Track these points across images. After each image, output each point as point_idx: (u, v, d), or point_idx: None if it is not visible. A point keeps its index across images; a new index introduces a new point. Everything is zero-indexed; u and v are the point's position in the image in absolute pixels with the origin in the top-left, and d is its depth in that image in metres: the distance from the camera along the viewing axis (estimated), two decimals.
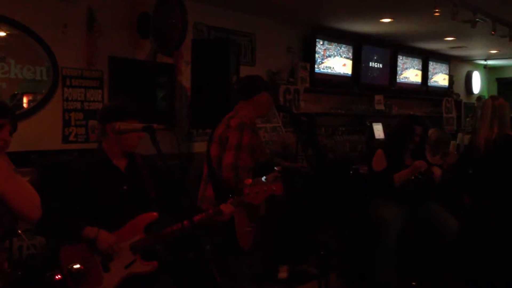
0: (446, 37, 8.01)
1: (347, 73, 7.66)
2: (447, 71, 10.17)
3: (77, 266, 2.35)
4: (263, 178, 2.81)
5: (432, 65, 9.63)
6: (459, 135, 7.34)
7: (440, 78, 9.99)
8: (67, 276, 2.34)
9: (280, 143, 5.21)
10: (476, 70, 11.40)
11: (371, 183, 4.29)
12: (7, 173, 1.99)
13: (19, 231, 3.54)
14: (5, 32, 4.13)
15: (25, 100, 4.30)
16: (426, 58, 9.42)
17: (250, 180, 2.77)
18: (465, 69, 11.19)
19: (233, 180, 3.06)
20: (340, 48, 7.48)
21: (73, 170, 2.60)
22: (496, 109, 3.80)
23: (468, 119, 9.48)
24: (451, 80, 10.35)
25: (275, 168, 3.13)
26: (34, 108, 4.26)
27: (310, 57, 6.98)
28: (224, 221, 2.66)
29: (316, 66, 7.03)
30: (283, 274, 4.78)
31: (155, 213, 2.42)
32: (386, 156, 4.16)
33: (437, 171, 4.13)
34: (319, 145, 5.71)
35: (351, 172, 5.34)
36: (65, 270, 2.35)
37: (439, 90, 9.93)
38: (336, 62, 7.42)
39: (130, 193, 2.51)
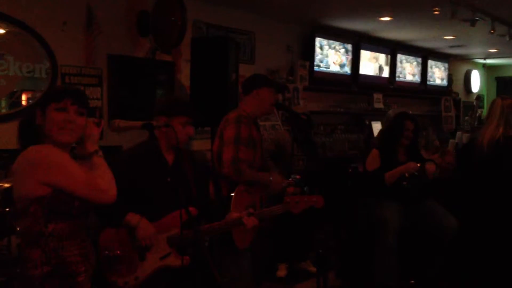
0: (445, 36, 8.01)
1: (346, 72, 7.66)
2: (446, 70, 10.17)
3: (115, 251, 2.38)
4: (306, 188, 2.84)
5: (431, 64, 9.64)
6: (458, 133, 7.35)
7: (439, 77, 9.99)
8: (103, 260, 2.36)
9: (274, 142, 5.18)
10: (475, 69, 11.41)
11: (364, 182, 4.31)
12: (64, 167, 1.93)
13: (18, 228, 3.53)
14: (4, 29, 4.13)
15: (23, 97, 4.29)
16: (425, 56, 9.42)
17: (293, 189, 2.79)
18: (464, 68, 11.20)
19: (233, 175, 3.05)
20: (340, 46, 7.48)
21: (121, 159, 2.66)
22: (504, 109, 3.80)
23: (467, 118, 9.49)
24: (450, 79, 10.36)
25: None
26: (33, 105, 4.25)
27: (309, 56, 6.98)
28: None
29: (315, 64, 7.03)
30: (281, 272, 4.78)
31: (195, 209, 2.43)
32: (380, 156, 4.17)
33: (430, 167, 4.12)
34: (314, 144, 5.70)
35: (350, 170, 5.35)
36: (102, 254, 2.37)
37: (438, 89, 9.93)
38: (335, 60, 7.42)
39: (174, 186, 2.50)
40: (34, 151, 1.93)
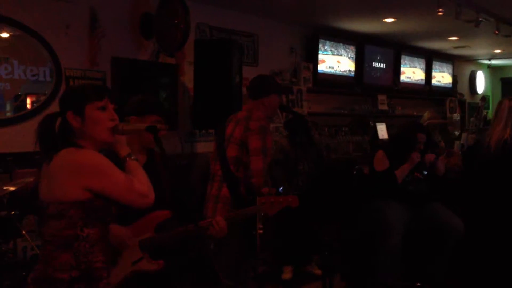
0: (449, 37, 7.98)
1: (350, 73, 7.65)
2: (451, 71, 10.13)
3: None
4: (280, 189, 2.81)
5: (435, 65, 9.61)
6: (464, 135, 7.31)
7: (443, 78, 9.96)
8: None
9: (279, 151, 5.15)
10: (480, 70, 11.37)
11: (373, 183, 4.29)
12: (109, 173, 1.90)
13: (23, 232, 3.54)
14: (8, 33, 4.14)
15: (28, 101, 4.30)
16: (429, 58, 9.39)
17: (267, 189, 2.77)
18: (469, 69, 11.16)
19: (262, 184, 3.08)
20: (343, 48, 7.46)
21: None
22: None
23: (472, 119, 9.45)
24: (455, 80, 10.31)
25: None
26: (38, 109, 4.26)
27: (313, 57, 6.97)
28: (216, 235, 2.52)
29: (319, 66, 7.01)
30: (287, 274, 4.77)
31: (168, 212, 2.40)
32: (387, 157, 4.18)
33: (428, 156, 4.19)
34: (317, 146, 5.69)
35: (354, 172, 5.33)
36: None
37: (442, 90, 9.90)
38: (339, 62, 7.41)
39: None
40: (79, 155, 1.89)
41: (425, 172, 4.21)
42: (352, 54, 7.61)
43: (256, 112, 3.28)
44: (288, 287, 4.64)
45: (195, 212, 2.70)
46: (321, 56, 7.05)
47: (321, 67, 7.07)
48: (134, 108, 2.54)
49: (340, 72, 7.46)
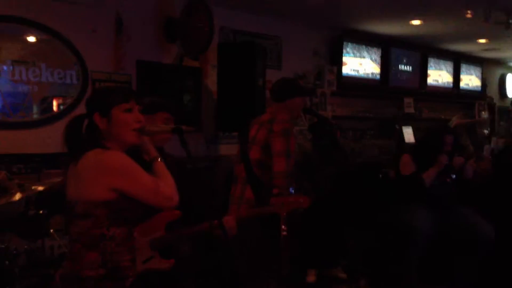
0: (478, 39, 7.84)
1: (376, 76, 7.57)
2: (479, 73, 9.94)
3: None
4: (291, 189, 2.79)
5: (462, 68, 9.44)
6: (493, 139, 7.16)
7: (471, 81, 9.78)
8: None
9: (301, 154, 5.13)
10: (510, 72, 11.12)
11: (400, 187, 4.23)
12: (135, 174, 1.94)
13: (51, 231, 3.60)
14: (36, 37, 4.23)
15: (55, 103, 4.38)
16: (457, 60, 9.23)
17: (277, 190, 2.75)
18: (498, 71, 10.93)
19: (286, 187, 3.06)
20: (368, 50, 7.40)
21: None
22: None
23: (502, 123, 9.25)
24: (484, 83, 10.12)
25: None
26: (64, 111, 4.34)
27: (337, 60, 6.93)
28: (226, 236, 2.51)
29: (343, 69, 6.96)
30: (311, 278, 4.72)
31: (178, 212, 2.41)
32: (413, 160, 4.12)
33: (457, 160, 4.11)
34: (343, 149, 5.64)
35: (380, 176, 5.27)
36: None
37: (471, 93, 9.71)
38: (364, 65, 7.34)
39: None
40: (105, 156, 1.91)
41: (453, 176, 4.12)
42: (376, 57, 7.53)
43: (280, 115, 3.27)
44: None
45: (203, 214, 2.70)
46: (345, 59, 7.00)
47: (346, 70, 7.02)
48: (144, 107, 2.56)
49: (365, 75, 7.39)
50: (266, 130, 3.21)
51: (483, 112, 9.11)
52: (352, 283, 3.67)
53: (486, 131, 8.01)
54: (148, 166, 2.09)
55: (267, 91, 4.62)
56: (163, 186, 1.98)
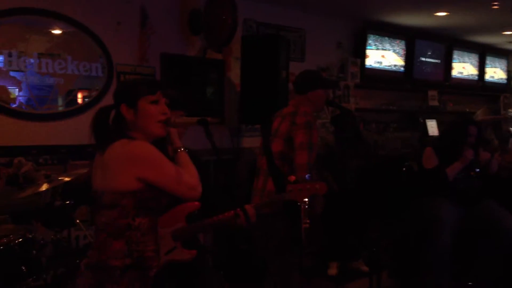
0: (504, 31, 7.69)
1: (400, 69, 7.49)
2: (504, 66, 9.76)
3: None
4: (307, 176, 2.79)
5: (488, 60, 9.28)
6: None
7: (496, 74, 9.61)
8: None
9: (324, 146, 5.12)
10: None
11: (422, 181, 4.19)
12: (161, 164, 1.96)
13: (77, 221, 3.65)
14: (61, 29, 4.28)
15: (79, 95, 4.44)
16: (483, 52, 9.08)
17: (294, 177, 2.74)
18: None
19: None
20: (392, 42, 7.32)
21: None
22: None
23: None
24: (509, 76, 9.94)
25: None
26: (89, 104, 4.39)
27: (361, 52, 6.87)
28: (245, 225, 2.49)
29: (366, 61, 6.90)
30: (332, 270, 4.73)
31: (197, 203, 2.43)
32: (436, 154, 4.07)
33: (484, 154, 4.06)
34: (365, 141, 5.61)
35: (403, 169, 5.23)
36: None
37: (496, 86, 9.55)
38: (388, 57, 7.27)
39: None
40: (132, 146, 1.93)
41: (477, 170, 4.07)
42: (400, 49, 7.44)
43: (302, 107, 3.26)
44: (333, 283, 4.60)
45: (223, 206, 2.71)
46: (368, 51, 6.94)
47: (369, 62, 6.96)
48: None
49: (389, 67, 7.32)
50: (289, 122, 3.21)
51: (510, 110, 8.95)
52: (374, 276, 3.65)
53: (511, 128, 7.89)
54: (172, 158, 2.12)
55: (290, 84, 4.61)
56: (187, 176, 2.00)
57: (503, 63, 9.71)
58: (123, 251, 1.92)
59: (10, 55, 4.01)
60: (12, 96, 4.08)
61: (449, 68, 8.39)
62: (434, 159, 4.08)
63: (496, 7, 5.28)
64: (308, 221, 3.10)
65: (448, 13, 6.44)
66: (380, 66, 7.17)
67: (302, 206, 2.77)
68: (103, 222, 1.96)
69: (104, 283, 1.91)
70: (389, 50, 7.30)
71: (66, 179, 3.46)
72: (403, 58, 7.51)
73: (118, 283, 1.90)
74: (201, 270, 2.54)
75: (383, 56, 7.22)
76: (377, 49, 7.12)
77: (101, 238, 1.96)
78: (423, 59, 7.87)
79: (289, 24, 6.01)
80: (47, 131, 4.19)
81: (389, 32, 7.23)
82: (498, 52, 9.49)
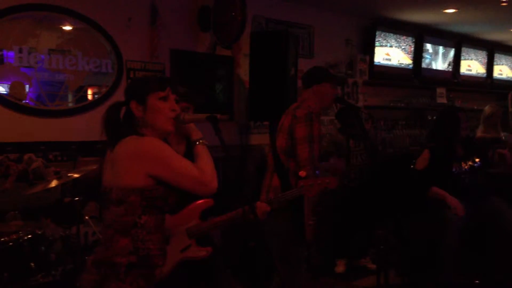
0: None
1: (408, 66, 7.47)
2: (511, 64, 9.70)
3: None
4: (317, 172, 2.80)
5: (498, 57, 9.23)
6: None
7: (502, 71, 9.55)
8: None
9: (332, 143, 5.12)
10: None
11: (412, 179, 4.23)
12: (172, 161, 1.95)
13: (86, 217, 3.67)
14: (72, 26, 4.29)
15: (89, 92, 4.46)
16: (491, 49, 9.03)
17: (305, 173, 2.75)
18: None
19: (311, 174, 3.06)
20: (401, 39, 7.29)
21: None
22: None
23: None
24: None
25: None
26: (99, 100, 4.40)
27: (369, 49, 6.85)
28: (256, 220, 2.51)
29: (375, 58, 6.89)
30: (340, 268, 4.74)
31: (211, 200, 2.43)
32: (430, 158, 4.07)
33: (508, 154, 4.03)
34: (370, 138, 5.59)
35: (411, 166, 5.22)
36: None
37: (505, 83, 9.50)
38: (396, 54, 7.25)
39: None
40: (142, 142, 1.93)
41: (477, 160, 4.07)
42: (409, 46, 7.42)
43: (307, 102, 3.27)
44: (341, 280, 4.61)
45: (232, 202, 2.72)
46: (377, 48, 6.92)
47: (378, 59, 6.94)
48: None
49: (397, 64, 7.30)
50: (291, 116, 3.22)
51: None
52: (381, 274, 3.65)
53: None
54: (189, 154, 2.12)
55: (299, 80, 4.61)
56: (199, 172, 1.97)
57: (510, 60, 9.65)
58: (129, 248, 1.92)
59: (20, 51, 4.02)
60: (22, 92, 4.10)
61: (458, 65, 8.36)
62: (426, 162, 4.09)
63: (505, 4, 5.26)
64: (313, 218, 3.12)
65: (457, 10, 6.41)
66: (389, 63, 7.15)
67: (306, 204, 2.78)
68: (110, 219, 1.97)
69: (109, 279, 1.92)
70: (398, 47, 7.28)
71: (76, 175, 3.47)
72: (412, 55, 7.48)
73: (123, 280, 1.91)
74: (216, 269, 2.55)
75: (391, 53, 7.20)
76: (386, 46, 7.10)
77: (108, 234, 1.97)
78: (432, 56, 7.83)
79: (298, 20, 6.00)
80: (57, 128, 4.21)
81: (398, 29, 7.20)
82: (507, 49, 9.44)
